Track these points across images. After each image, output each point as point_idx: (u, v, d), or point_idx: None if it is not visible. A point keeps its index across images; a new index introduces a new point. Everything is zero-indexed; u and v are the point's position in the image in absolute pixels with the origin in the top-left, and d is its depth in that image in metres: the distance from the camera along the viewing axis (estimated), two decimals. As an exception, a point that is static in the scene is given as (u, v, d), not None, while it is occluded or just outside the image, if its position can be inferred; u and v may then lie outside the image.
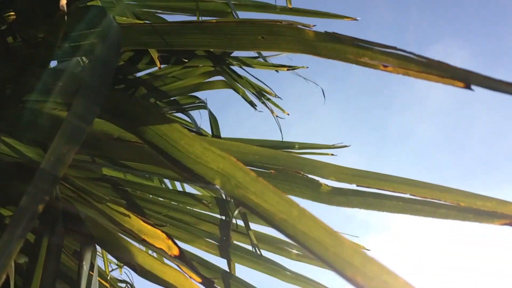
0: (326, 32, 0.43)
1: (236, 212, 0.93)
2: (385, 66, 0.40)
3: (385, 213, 0.51)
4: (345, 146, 1.23)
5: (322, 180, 0.54)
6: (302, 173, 0.52)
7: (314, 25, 0.43)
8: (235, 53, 1.17)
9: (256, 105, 1.16)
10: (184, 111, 1.25)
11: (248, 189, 0.36)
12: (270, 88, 1.15)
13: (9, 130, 0.70)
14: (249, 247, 1.11)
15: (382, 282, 0.28)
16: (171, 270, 0.50)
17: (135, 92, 1.22)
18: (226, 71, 1.15)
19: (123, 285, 1.37)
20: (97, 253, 1.60)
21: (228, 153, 0.40)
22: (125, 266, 1.61)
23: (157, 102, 1.24)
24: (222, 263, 1.13)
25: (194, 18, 1.17)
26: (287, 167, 0.53)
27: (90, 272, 0.54)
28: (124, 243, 0.54)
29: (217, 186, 0.38)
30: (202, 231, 1.10)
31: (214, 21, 0.50)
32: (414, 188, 0.49)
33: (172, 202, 1.15)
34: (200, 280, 0.48)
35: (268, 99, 1.17)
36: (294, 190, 0.53)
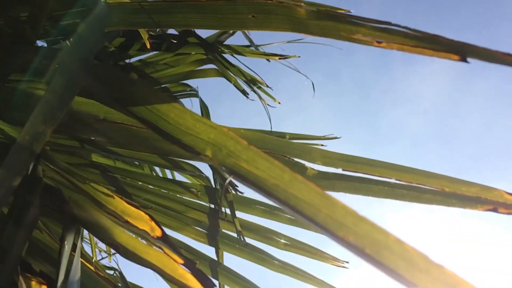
0: (318, 10, 0.42)
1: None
2: (379, 42, 0.40)
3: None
4: (336, 138, 1.23)
5: (308, 164, 0.53)
6: (288, 156, 0.52)
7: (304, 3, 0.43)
8: (228, 41, 1.16)
9: (248, 94, 1.16)
10: (175, 99, 1.24)
11: (240, 157, 0.36)
12: (261, 78, 1.15)
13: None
14: (237, 236, 1.11)
15: (373, 240, 0.28)
16: (154, 251, 0.50)
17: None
18: (218, 59, 1.14)
19: (111, 272, 1.37)
20: (85, 239, 1.59)
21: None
22: (114, 255, 1.61)
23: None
24: (210, 251, 1.13)
25: None
26: (274, 150, 0.53)
27: (72, 253, 0.54)
28: (108, 224, 0.53)
29: (208, 156, 0.38)
30: (190, 219, 1.10)
31: (204, 0, 0.49)
32: (399, 173, 0.49)
33: (162, 190, 1.14)
34: (182, 261, 0.47)
35: (260, 88, 1.17)
36: (280, 173, 0.52)
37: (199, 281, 0.45)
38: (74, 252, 0.55)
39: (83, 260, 0.59)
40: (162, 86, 1.24)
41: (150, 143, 0.56)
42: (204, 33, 1.20)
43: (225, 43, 1.15)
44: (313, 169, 0.52)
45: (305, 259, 1.12)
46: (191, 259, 0.47)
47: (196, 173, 1.15)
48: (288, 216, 1.12)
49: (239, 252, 1.11)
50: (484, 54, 0.35)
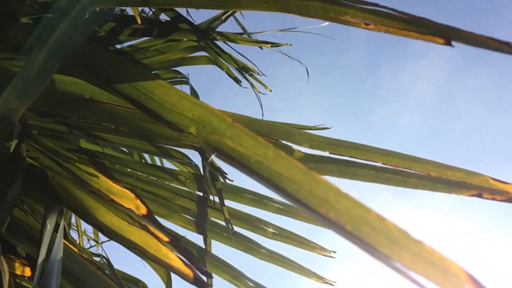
0: (306, -10, 0.42)
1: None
2: (367, 24, 0.40)
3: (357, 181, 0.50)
4: (326, 128, 1.23)
5: (296, 147, 0.53)
6: (276, 138, 0.52)
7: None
8: (220, 28, 1.15)
9: (240, 81, 1.15)
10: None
11: (224, 135, 0.35)
12: (254, 65, 1.14)
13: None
14: (225, 225, 1.10)
15: (355, 216, 0.28)
16: (137, 231, 0.49)
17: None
18: (210, 46, 1.13)
19: (98, 259, 1.36)
20: (72, 226, 1.57)
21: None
22: (102, 244, 1.60)
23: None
24: (198, 239, 1.12)
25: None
26: (261, 133, 0.53)
27: (55, 233, 0.53)
28: (91, 204, 0.52)
29: (192, 134, 0.37)
30: (179, 206, 1.10)
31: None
32: (386, 157, 0.49)
33: (151, 177, 1.13)
34: (167, 239, 0.47)
35: (252, 75, 1.16)
36: (267, 156, 0.52)
37: (185, 258, 0.45)
38: (56, 232, 0.54)
39: (66, 242, 0.58)
40: (153, 72, 1.22)
41: (135, 123, 0.56)
42: (196, 20, 1.19)
43: (217, 30, 1.14)
44: (300, 151, 0.51)
45: (294, 249, 1.12)
46: (176, 236, 0.46)
47: (185, 161, 1.14)
48: (277, 205, 1.12)
49: (227, 241, 1.11)
50: (468, 38, 0.35)
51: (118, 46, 1.24)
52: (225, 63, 1.15)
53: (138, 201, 0.48)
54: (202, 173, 1.13)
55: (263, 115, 1.14)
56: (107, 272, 1.15)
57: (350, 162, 0.50)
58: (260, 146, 0.34)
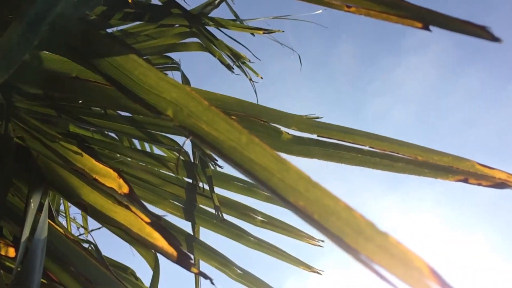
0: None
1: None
2: (348, 7, 0.40)
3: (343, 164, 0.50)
4: (318, 118, 1.23)
5: (284, 130, 0.53)
6: (265, 120, 0.51)
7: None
8: (212, 14, 1.14)
9: (233, 68, 1.14)
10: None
11: (200, 118, 0.35)
12: (248, 50, 1.13)
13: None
14: (215, 212, 1.10)
15: (323, 205, 0.28)
16: (121, 210, 0.49)
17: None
18: (202, 32, 1.12)
19: (87, 245, 1.35)
20: (61, 213, 1.56)
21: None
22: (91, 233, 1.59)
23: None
24: (187, 226, 1.12)
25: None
26: (250, 114, 0.52)
27: (39, 213, 0.52)
28: (76, 183, 0.52)
29: (169, 116, 0.37)
30: (168, 193, 1.09)
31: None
32: (373, 141, 0.49)
33: (140, 163, 1.13)
34: (148, 220, 0.46)
35: (244, 63, 1.15)
36: (255, 138, 0.52)
37: (165, 239, 0.44)
38: (41, 212, 0.53)
39: (51, 222, 0.57)
40: (144, 57, 1.21)
41: (123, 104, 0.55)
42: (189, 5, 1.18)
43: (209, 15, 1.13)
44: (288, 133, 0.51)
45: (284, 241, 1.12)
46: (158, 216, 0.46)
47: (175, 147, 1.14)
48: (266, 193, 1.12)
49: (215, 228, 1.11)
50: (444, 21, 0.35)
51: (109, 31, 1.23)
52: (218, 50, 1.14)
53: (121, 180, 0.48)
54: (192, 160, 1.13)
55: (257, 100, 1.14)
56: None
57: (337, 145, 0.50)
58: (234, 131, 0.34)
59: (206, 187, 1.11)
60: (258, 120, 0.51)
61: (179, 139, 1.19)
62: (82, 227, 1.72)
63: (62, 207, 1.64)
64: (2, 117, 0.60)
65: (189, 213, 1.09)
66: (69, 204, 1.63)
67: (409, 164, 0.49)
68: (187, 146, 1.19)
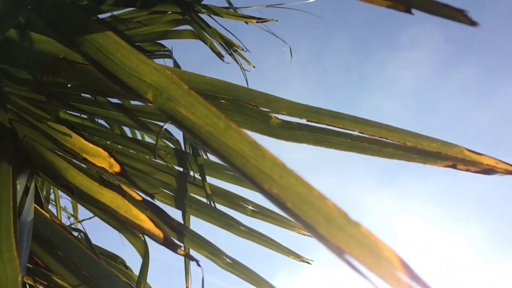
0: None
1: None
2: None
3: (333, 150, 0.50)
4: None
5: (273, 115, 0.52)
6: (254, 104, 0.51)
7: None
8: (205, 1, 1.13)
9: (223, 56, 1.13)
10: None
11: (179, 102, 0.35)
12: (239, 40, 1.12)
13: None
14: (206, 201, 1.10)
15: (296, 193, 0.28)
16: (108, 192, 0.48)
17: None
18: (194, 19, 1.11)
19: (76, 233, 1.34)
20: (51, 201, 1.55)
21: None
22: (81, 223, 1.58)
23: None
24: (177, 214, 1.12)
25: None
26: (239, 98, 0.52)
27: (25, 196, 0.51)
28: (62, 165, 0.51)
29: (149, 100, 0.36)
30: (158, 181, 1.09)
31: None
32: (362, 126, 0.49)
33: (130, 150, 1.12)
34: (140, 198, 0.46)
35: (235, 51, 1.14)
36: (244, 122, 0.52)
37: (158, 216, 0.44)
38: (27, 195, 0.53)
39: (38, 207, 0.57)
40: (135, 44, 1.20)
41: (110, 86, 0.54)
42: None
43: (202, 3, 1.12)
44: (277, 118, 0.51)
45: (272, 226, 1.12)
46: (150, 194, 0.46)
47: (166, 135, 1.13)
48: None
49: (206, 217, 1.11)
50: (426, 5, 0.35)
51: (100, 16, 1.21)
52: (209, 37, 1.13)
53: (112, 159, 0.47)
54: (184, 149, 1.12)
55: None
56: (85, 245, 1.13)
57: (326, 130, 0.50)
58: (212, 116, 0.33)
59: (197, 176, 1.11)
60: (247, 104, 0.51)
61: (172, 128, 1.19)
62: (72, 216, 1.71)
63: (52, 196, 1.63)
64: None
65: (180, 201, 1.09)
66: (59, 193, 1.62)
67: (398, 149, 0.49)
68: (180, 134, 1.18)
